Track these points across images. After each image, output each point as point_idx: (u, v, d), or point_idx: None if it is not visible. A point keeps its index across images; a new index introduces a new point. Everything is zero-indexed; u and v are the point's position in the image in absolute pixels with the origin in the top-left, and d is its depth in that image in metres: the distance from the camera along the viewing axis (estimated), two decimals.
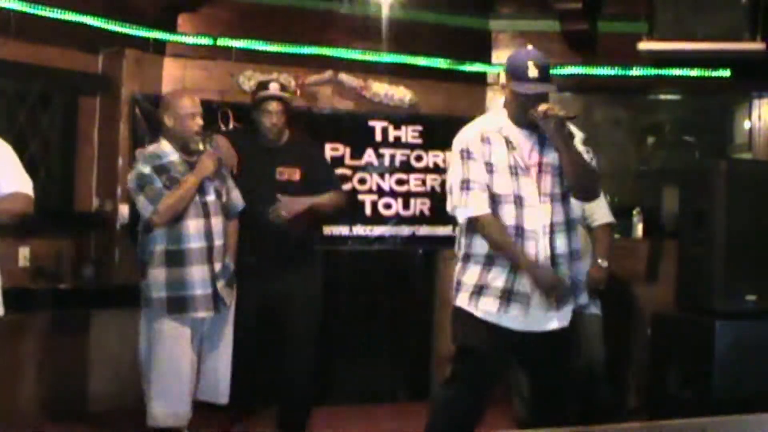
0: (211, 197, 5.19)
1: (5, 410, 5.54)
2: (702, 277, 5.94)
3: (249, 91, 6.22)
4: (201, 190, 5.14)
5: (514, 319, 4.09)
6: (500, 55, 6.90)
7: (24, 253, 5.91)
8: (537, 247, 4.06)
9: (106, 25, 6.19)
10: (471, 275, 4.15)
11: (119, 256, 6.20)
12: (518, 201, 4.07)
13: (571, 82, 7.28)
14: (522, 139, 4.14)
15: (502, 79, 4.22)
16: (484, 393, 4.23)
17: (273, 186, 5.51)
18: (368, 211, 6.81)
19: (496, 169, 4.08)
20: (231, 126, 6.40)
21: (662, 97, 7.63)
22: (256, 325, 5.53)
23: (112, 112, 6.31)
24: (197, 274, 5.10)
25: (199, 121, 5.19)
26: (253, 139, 5.62)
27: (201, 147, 5.15)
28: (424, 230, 6.78)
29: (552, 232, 4.09)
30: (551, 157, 4.14)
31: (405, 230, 6.84)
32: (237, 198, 5.39)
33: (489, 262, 4.11)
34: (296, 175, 5.58)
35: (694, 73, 7.07)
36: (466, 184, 4.08)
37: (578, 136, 4.27)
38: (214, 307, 5.16)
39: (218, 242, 5.19)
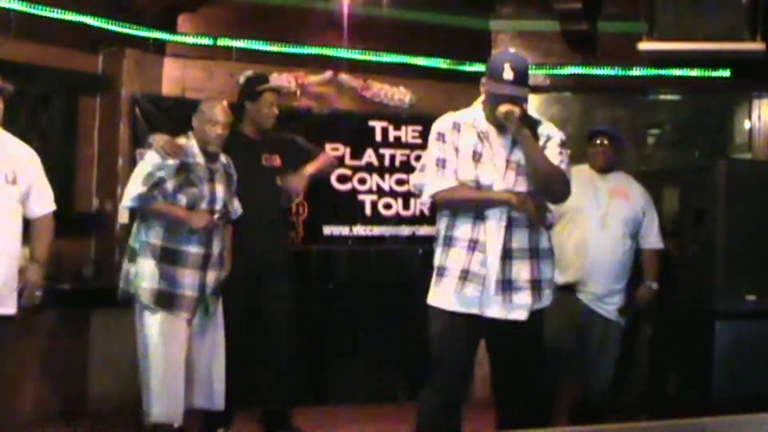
0: (218, 206, 5.27)
1: (5, 410, 5.54)
2: (702, 277, 5.94)
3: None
4: (212, 199, 5.23)
5: (470, 303, 4.20)
6: None
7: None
8: (488, 234, 4.19)
9: (106, 25, 6.19)
10: (437, 257, 4.33)
11: (119, 256, 6.19)
12: (477, 186, 4.22)
13: (571, 82, 7.29)
14: (493, 136, 4.27)
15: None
16: (459, 384, 4.30)
17: (261, 173, 5.62)
18: (368, 211, 6.81)
19: (461, 155, 4.24)
20: None
21: (662, 97, 7.63)
22: (244, 321, 5.55)
23: (112, 112, 6.32)
24: (189, 276, 5.15)
25: (219, 130, 5.22)
26: (238, 132, 5.63)
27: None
28: (424, 230, 6.77)
29: (510, 227, 4.20)
30: (519, 156, 4.24)
31: (405, 230, 6.84)
32: (237, 206, 5.47)
33: (447, 243, 4.28)
34: (277, 161, 5.72)
35: (694, 73, 7.08)
36: (441, 162, 4.26)
37: (557, 137, 4.31)
38: (195, 310, 5.20)
39: (216, 250, 5.25)
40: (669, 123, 7.70)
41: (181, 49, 6.55)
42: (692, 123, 7.64)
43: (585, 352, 5.69)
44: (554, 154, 4.25)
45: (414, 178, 4.42)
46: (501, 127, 4.23)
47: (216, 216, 5.24)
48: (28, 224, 4.86)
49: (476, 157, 4.22)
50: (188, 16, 6.58)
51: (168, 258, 5.13)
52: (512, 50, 4.41)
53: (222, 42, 6.61)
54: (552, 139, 4.28)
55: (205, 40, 6.59)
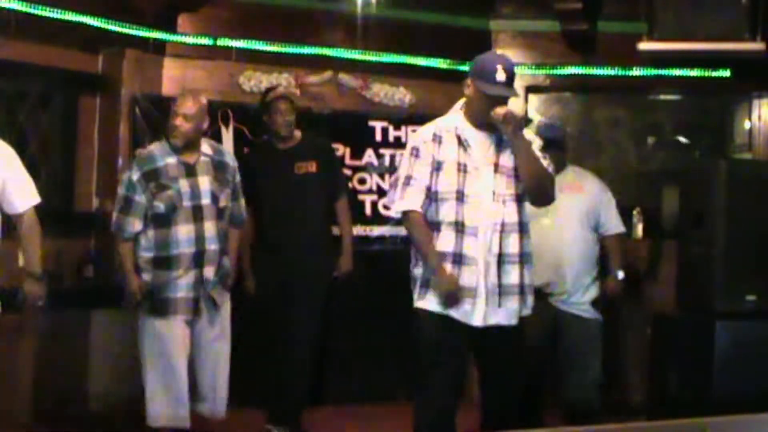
0: (206, 201, 5.14)
1: (5, 410, 5.54)
2: (702, 277, 5.93)
3: (254, 93, 6.47)
4: (195, 194, 5.11)
5: (462, 314, 4.21)
6: None
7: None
8: (477, 243, 4.18)
9: (106, 25, 6.19)
10: (418, 269, 4.35)
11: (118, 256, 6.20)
12: (460, 197, 4.20)
13: (571, 82, 7.29)
14: (479, 139, 4.26)
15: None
16: (452, 386, 4.31)
17: (293, 181, 5.84)
18: (368, 211, 6.81)
19: (443, 166, 4.22)
20: (232, 126, 6.48)
21: (662, 97, 7.63)
22: (273, 327, 5.84)
23: (112, 112, 6.31)
24: (183, 278, 5.07)
25: (178, 121, 5.11)
26: (269, 145, 5.98)
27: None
28: None
29: (503, 231, 4.21)
30: (507, 159, 4.25)
31: (404, 230, 6.83)
32: (243, 207, 5.46)
33: None
34: (313, 167, 5.88)
35: (694, 73, 7.07)
36: (407, 180, 4.25)
37: (535, 142, 4.33)
38: (195, 311, 5.12)
39: (211, 246, 5.14)
40: (669, 123, 7.69)
41: (181, 49, 6.55)
42: (692, 123, 7.64)
43: (567, 357, 5.61)
44: (539, 158, 4.27)
45: (389, 192, 4.45)
46: (490, 129, 4.22)
47: (205, 208, 5.13)
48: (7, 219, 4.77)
49: (461, 167, 4.21)
50: (188, 16, 6.59)
51: (161, 265, 5.08)
52: (499, 52, 4.41)
53: (222, 42, 6.61)
54: (533, 142, 4.30)
55: (205, 41, 6.59)
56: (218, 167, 5.26)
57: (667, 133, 7.72)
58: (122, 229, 5.15)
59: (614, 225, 5.75)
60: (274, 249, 5.84)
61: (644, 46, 6.72)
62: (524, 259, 4.28)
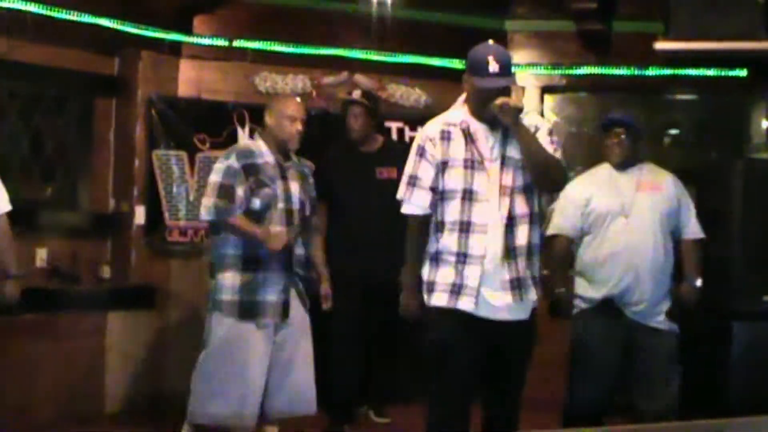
0: (296, 206, 5.09)
1: (21, 410, 5.56)
2: (719, 278, 5.91)
3: (269, 94, 6.52)
4: (288, 197, 5.05)
5: (471, 309, 4.13)
6: (516, 56, 6.88)
7: (41, 254, 5.94)
8: (485, 241, 4.10)
9: (122, 27, 6.21)
10: (424, 272, 4.24)
11: (135, 257, 6.22)
12: (468, 195, 4.13)
13: (586, 82, 7.27)
14: (484, 132, 4.18)
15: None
16: (466, 381, 4.22)
17: (374, 185, 5.87)
18: None
19: (452, 164, 4.15)
20: (247, 128, 6.49)
21: (678, 96, 7.61)
22: (348, 329, 5.95)
23: (127, 113, 6.34)
24: (272, 280, 4.96)
25: (299, 126, 5.06)
26: (351, 147, 6.02)
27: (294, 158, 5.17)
28: None
29: (512, 225, 4.13)
30: (514, 150, 4.16)
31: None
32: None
33: (436, 259, 4.19)
34: (393, 173, 5.80)
35: (711, 72, 7.05)
36: (413, 180, 4.20)
37: (544, 126, 4.25)
38: (283, 314, 5.02)
39: (300, 250, 5.11)
40: (685, 123, 7.67)
41: (197, 50, 6.56)
42: (709, 123, 7.61)
43: (645, 370, 5.10)
44: (546, 144, 4.17)
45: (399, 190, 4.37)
46: (491, 123, 4.16)
47: (295, 213, 5.07)
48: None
49: (468, 164, 4.14)
50: (204, 18, 6.60)
51: (250, 265, 4.94)
52: (491, 42, 4.30)
53: (238, 43, 6.62)
54: (540, 129, 4.21)
55: (221, 42, 6.60)
56: (301, 175, 5.20)
57: (684, 133, 7.70)
58: (227, 213, 4.91)
59: (693, 230, 5.17)
60: (350, 250, 5.84)
61: (660, 45, 6.69)
62: (533, 250, 4.20)
